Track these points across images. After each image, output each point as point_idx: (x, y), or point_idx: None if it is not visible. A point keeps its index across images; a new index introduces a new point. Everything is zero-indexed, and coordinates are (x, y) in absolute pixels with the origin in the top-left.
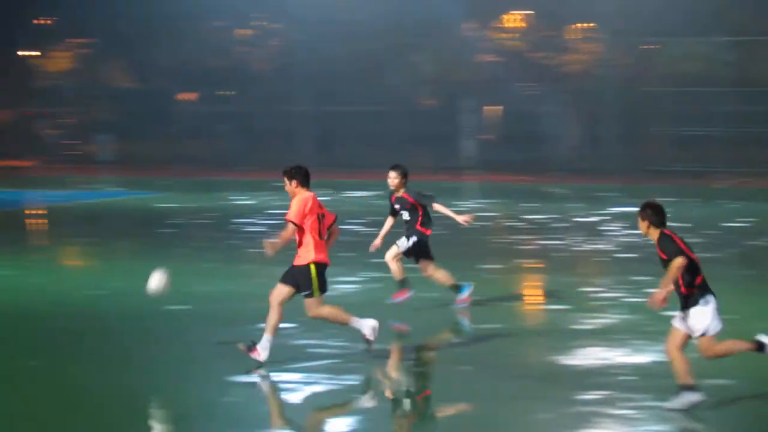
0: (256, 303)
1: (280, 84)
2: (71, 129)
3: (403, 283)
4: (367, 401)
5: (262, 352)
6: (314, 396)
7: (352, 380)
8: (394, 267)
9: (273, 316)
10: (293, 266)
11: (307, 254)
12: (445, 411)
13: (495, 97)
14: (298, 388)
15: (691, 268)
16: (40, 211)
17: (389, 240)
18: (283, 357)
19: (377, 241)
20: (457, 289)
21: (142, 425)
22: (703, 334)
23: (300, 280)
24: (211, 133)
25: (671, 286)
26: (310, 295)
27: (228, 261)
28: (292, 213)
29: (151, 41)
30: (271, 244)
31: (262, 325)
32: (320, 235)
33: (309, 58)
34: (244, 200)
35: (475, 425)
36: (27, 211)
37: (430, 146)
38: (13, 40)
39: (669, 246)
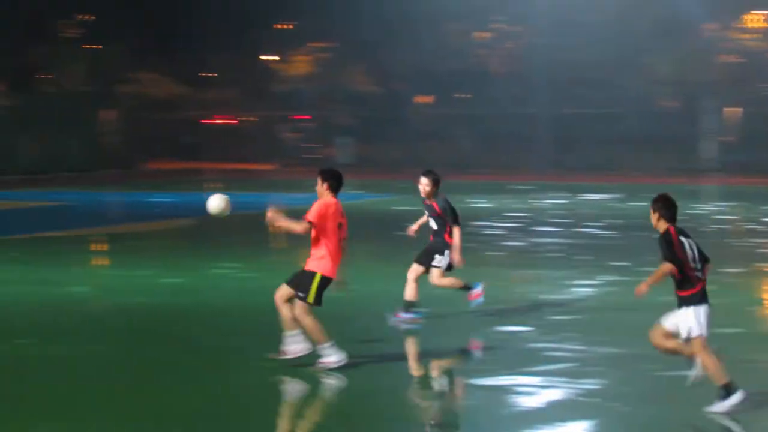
0: (495, 305)
1: (516, 86)
2: (311, 132)
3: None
4: (604, 406)
5: (294, 347)
6: (552, 400)
7: (591, 384)
8: (448, 282)
9: (284, 312)
10: (303, 270)
11: (320, 263)
12: (678, 416)
13: (735, 98)
14: (535, 392)
15: (684, 279)
16: None
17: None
18: (520, 360)
19: (414, 227)
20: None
21: (362, 427)
22: (688, 337)
23: (302, 281)
24: (448, 136)
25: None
26: (303, 299)
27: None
28: (312, 212)
29: (390, 45)
30: (276, 213)
31: (504, 328)
32: (339, 242)
33: (547, 60)
34: (481, 203)
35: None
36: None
37: (668, 148)
38: (256, 44)
39: (665, 249)
